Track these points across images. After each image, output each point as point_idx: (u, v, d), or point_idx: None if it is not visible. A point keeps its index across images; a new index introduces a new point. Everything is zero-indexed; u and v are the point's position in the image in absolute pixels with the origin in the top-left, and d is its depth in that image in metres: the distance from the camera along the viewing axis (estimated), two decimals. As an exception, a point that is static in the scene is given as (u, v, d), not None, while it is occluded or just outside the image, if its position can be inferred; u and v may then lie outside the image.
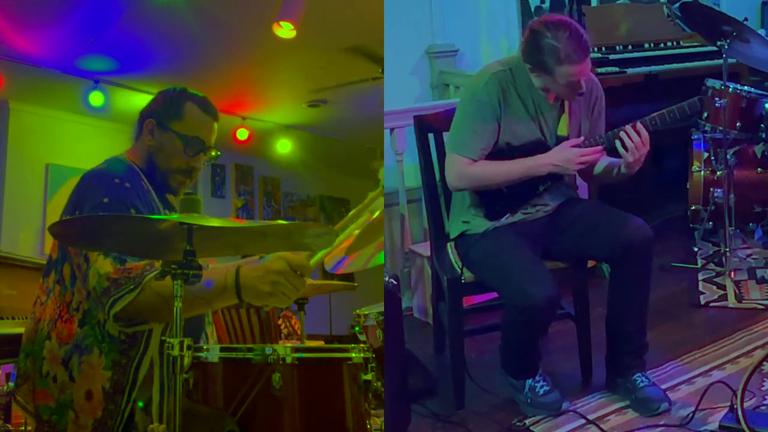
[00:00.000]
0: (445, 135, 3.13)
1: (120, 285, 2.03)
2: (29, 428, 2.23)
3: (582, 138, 2.76)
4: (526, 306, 2.58)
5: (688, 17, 3.83)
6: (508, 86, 2.73)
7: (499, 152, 2.76)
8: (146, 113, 2.37)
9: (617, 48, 4.43)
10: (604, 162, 2.84)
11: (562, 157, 2.69)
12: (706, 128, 4.09)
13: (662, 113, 2.71)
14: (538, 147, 2.76)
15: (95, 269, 2.06)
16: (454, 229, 2.92)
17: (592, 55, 4.17)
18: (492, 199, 2.81)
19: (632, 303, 2.79)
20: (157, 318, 2.10)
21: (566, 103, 2.78)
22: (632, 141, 2.65)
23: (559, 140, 2.77)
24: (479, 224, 2.81)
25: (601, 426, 2.66)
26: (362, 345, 2.04)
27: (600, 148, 2.71)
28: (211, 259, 2.60)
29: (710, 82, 4.02)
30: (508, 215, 2.79)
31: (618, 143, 2.67)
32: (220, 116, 2.45)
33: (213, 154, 2.40)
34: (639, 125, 2.67)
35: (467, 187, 2.81)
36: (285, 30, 4.51)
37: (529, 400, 2.78)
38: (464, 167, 2.75)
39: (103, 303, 2.05)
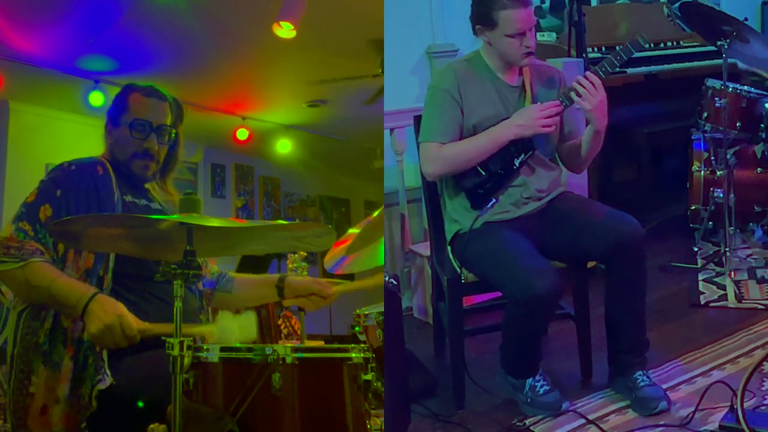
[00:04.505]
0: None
1: (8, 251, 2.13)
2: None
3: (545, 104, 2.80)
4: (528, 298, 2.57)
5: (688, 17, 3.83)
6: (466, 74, 2.84)
7: (469, 137, 2.83)
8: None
9: (617, 48, 4.42)
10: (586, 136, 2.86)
11: (524, 116, 2.76)
12: (706, 128, 4.09)
13: (608, 57, 2.83)
14: None
15: None
16: (448, 231, 2.94)
17: (591, 54, 4.21)
18: (472, 186, 2.83)
19: (628, 301, 2.79)
20: (21, 294, 2.19)
21: (526, 83, 2.85)
22: (584, 87, 2.73)
23: None
24: (469, 219, 2.82)
25: (601, 426, 2.66)
26: (362, 345, 2.04)
27: (557, 102, 2.78)
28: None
29: (710, 82, 4.03)
30: (493, 200, 2.80)
31: (573, 95, 2.74)
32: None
33: (172, 133, 2.45)
34: (589, 73, 2.76)
35: (442, 170, 2.85)
36: (285, 30, 4.50)
37: (529, 400, 2.78)
38: (434, 151, 2.81)
39: None
